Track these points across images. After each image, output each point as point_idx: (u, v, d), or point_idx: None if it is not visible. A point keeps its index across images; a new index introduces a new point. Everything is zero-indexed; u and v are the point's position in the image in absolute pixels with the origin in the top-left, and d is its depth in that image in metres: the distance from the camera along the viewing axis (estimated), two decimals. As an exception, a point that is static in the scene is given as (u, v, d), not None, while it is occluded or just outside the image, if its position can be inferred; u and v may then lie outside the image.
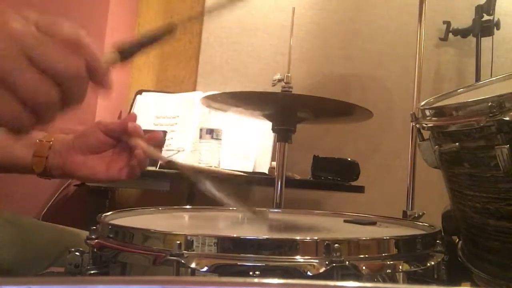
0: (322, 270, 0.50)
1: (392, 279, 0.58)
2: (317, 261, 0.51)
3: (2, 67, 0.43)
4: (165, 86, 2.02)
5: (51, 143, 0.81)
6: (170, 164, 0.90)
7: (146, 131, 0.81)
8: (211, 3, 0.59)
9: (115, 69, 0.52)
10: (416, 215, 1.36)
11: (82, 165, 0.80)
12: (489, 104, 0.66)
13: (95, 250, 0.60)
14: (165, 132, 1.62)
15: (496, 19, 1.86)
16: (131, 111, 1.79)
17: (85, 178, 0.86)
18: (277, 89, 1.33)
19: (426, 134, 0.85)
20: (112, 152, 0.81)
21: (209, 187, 0.70)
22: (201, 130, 1.60)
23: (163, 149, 1.59)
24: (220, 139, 1.59)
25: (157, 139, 0.82)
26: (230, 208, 0.95)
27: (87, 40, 0.47)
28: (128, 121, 0.79)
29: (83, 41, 0.47)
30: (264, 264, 0.51)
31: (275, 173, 1.29)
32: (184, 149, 1.66)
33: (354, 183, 1.64)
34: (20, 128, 0.46)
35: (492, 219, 0.73)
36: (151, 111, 1.77)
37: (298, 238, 0.55)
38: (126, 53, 0.52)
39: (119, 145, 0.80)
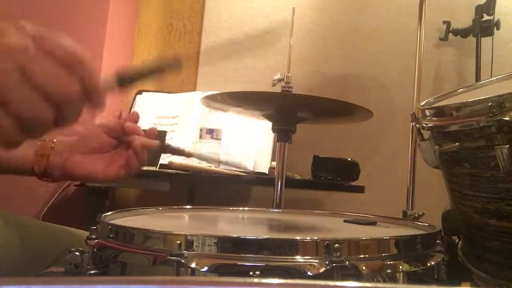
0: (322, 270, 0.51)
1: (392, 279, 0.57)
2: (317, 261, 0.51)
3: None
4: (165, 86, 2.02)
5: (53, 143, 0.81)
6: (165, 148, 0.91)
7: (144, 131, 0.82)
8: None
9: (111, 94, 0.50)
10: (416, 215, 1.36)
11: (81, 165, 0.80)
12: (489, 104, 0.66)
13: (95, 250, 0.60)
14: (165, 132, 1.61)
15: (496, 19, 1.85)
16: (131, 111, 1.79)
17: (84, 177, 0.86)
18: (277, 89, 1.33)
19: (426, 134, 0.85)
20: (112, 153, 0.81)
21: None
22: (201, 130, 1.60)
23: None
24: (220, 139, 1.59)
25: (153, 134, 0.82)
26: (230, 208, 0.95)
27: (87, 60, 0.46)
28: (127, 120, 0.80)
29: (83, 60, 0.46)
30: (264, 264, 0.51)
31: (275, 173, 1.29)
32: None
33: (354, 183, 1.64)
34: (9, 141, 0.46)
35: (492, 219, 0.73)
36: (151, 111, 1.77)
37: (298, 238, 0.55)
38: (124, 81, 0.52)
39: (120, 145, 0.81)
